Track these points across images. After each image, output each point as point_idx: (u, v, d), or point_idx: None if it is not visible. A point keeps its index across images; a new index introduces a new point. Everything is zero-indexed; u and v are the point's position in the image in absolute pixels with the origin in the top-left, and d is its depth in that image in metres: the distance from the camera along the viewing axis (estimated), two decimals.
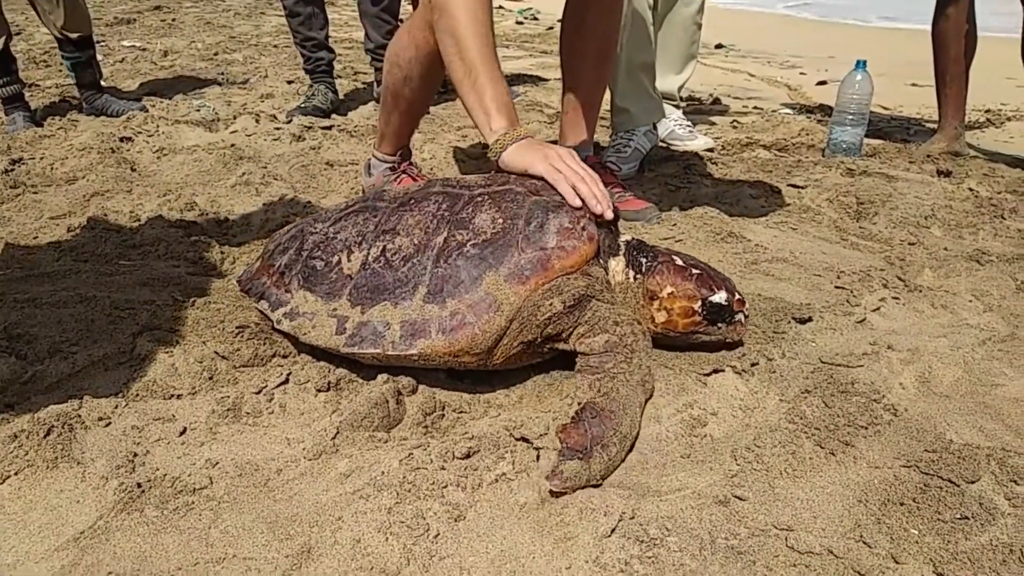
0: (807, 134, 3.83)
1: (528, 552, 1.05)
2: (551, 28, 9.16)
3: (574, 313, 1.42)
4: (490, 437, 1.27)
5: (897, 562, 1.01)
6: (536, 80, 5.50)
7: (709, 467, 1.22)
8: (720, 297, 1.51)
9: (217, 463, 1.24)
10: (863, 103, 3.29)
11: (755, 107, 4.82)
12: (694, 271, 1.54)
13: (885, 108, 5.00)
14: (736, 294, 1.53)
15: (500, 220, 1.46)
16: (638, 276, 1.56)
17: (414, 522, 1.08)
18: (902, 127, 4.28)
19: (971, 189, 2.87)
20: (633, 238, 1.63)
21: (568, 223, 1.46)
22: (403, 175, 2.45)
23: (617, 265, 1.57)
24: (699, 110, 4.65)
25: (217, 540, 1.08)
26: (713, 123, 4.20)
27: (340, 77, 5.05)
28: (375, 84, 4.13)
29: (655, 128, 3.09)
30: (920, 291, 1.86)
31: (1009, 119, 4.73)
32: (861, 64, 3.31)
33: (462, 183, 1.61)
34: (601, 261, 1.53)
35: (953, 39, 3.47)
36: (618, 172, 2.78)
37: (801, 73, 6.54)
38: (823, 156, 3.37)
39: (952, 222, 2.39)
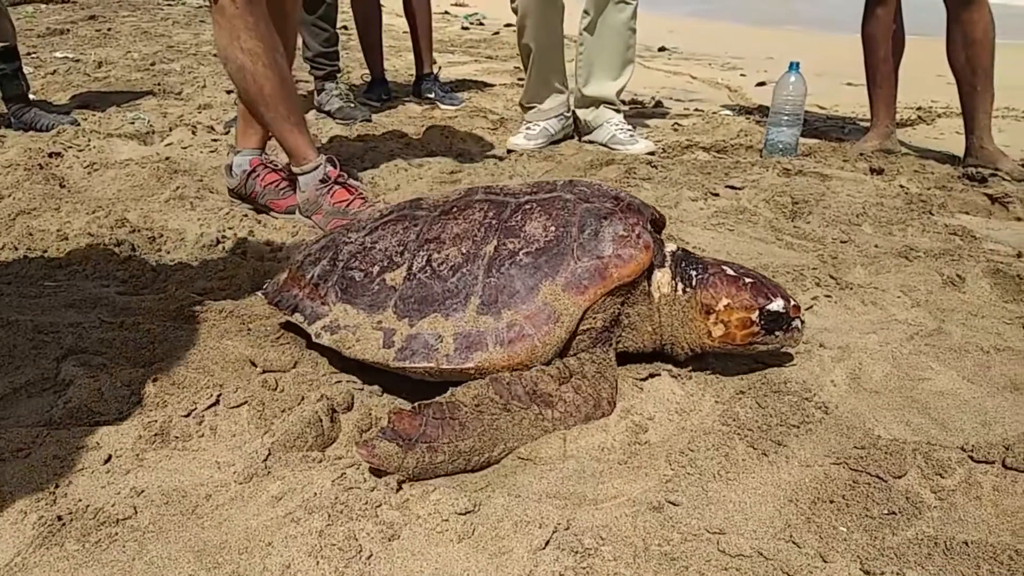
0: (746, 135, 3.90)
1: (463, 569, 1.04)
2: (497, 33, 9.19)
3: (598, 341, 1.41)
4: None
5: (825, 560, 1.03)
6: (482, 86, 5.50)
7: (645, 473, 1.22)
8: (777, 305, 1.45)
9: (143, 491, 1.20)
10: (798, 104, 3.36)
11: (696, 109, 4.90)
12: (747, 280, 1.47)
13: (822, 108, 5.13)
14: (791, 300, 1.47)
15: (552, 228, 1.43)
16: (688, 289, 1.48)
17: (346, 544, 1.06)
18: (837, 126, 4.40)
19: (902, 186, 2.96)
20: (679, 247, 1.56)
21: (623, 231, 1.42)
22: (335, 187, 2.38)
23: (663, 277, 1.50)
24: (641, 113, 4.71)
25: (141, 572, 1.04)
26: (655, 126, 4.26)
27: None
28: (315, 93, 4.07)
29: (567, 113, 3.68)
30: (851, 288, 1.90)
31: (939, 116, 4.90)
32: (795, 66, 3.38)
33: (505, 190, 1.57)
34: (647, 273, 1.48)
35: (882, 40, 3.58)
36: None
37: (741, 75, 6.68)
38: (761, 156, 3.44)
39: (883, 219, 2.46)
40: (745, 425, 1.33)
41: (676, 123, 4.32)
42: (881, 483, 1.21)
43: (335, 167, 2.42)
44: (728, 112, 4.78)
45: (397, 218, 1.59)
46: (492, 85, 5.52)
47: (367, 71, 4.80)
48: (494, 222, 1.46)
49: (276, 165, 2.55)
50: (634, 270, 1.40)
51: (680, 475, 1.21)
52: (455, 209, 1.53)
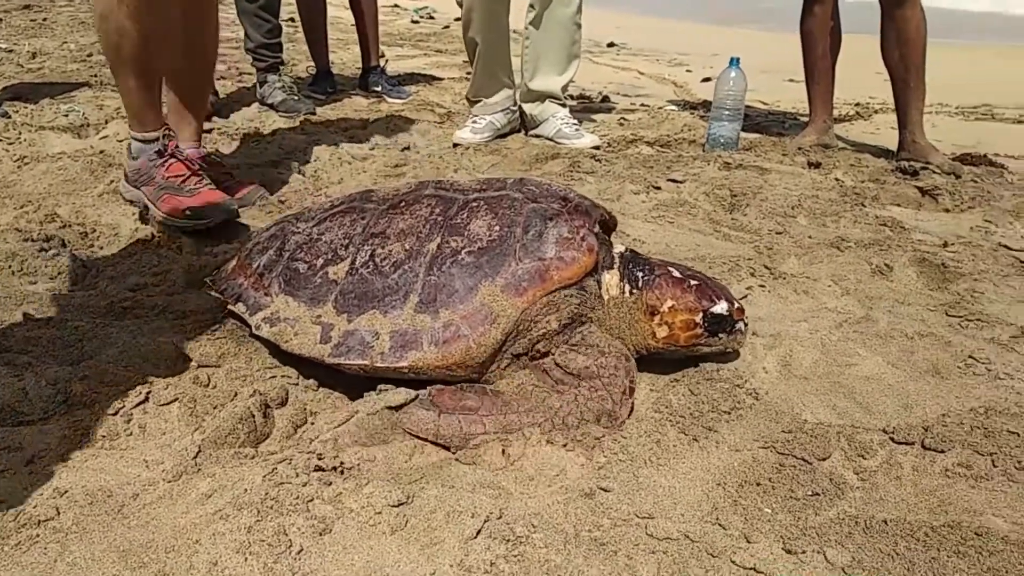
0: (689, 129, 3.96)
1: (394, 561, 1.04)
2: (447, 27, 9.14)
3: (566, 333, 1.39)
4: (361, 449, 1.24)
5: (749, 541, 1.06)
6: (430, 79, 5.47)
7: (576, 460, 1.24)
8: (721, 307, 1.46)
9: (66, 492, 1.17)
10: (738, 99, 3.42)
11: (642, 104, 4.95)
12: (692, 282, 1.48)
13: (764, 103, 5.23)
14: (735, 303, 1.49)
15: (497, 227, 1.41)
16: (634, 291, 1.49)
17: (275, 539, 1.05)
18: (778, 121, 4.49)
19: (837, 179, 3.04)
20: (627, 249, 1.56)
21: (567, 233, 1.41)
22: (172, 160, 2.22)
23: (611, 279, 1.50)
24: (589, 108, 4.73)
25: (63, 574, 1.02)
26: (602, 121, 4.29)
27: (223, 78, 4.87)
28: (258, 85, 4.00)
29: (512, 107, 3.67)
30: (784, 278, 1.95)
31: (876, 112, 5.05)
32: (735, 62, 3.44)
33: (455, 186, 1.55)
34: (595, 275, 1.47)
35: (819, 37, 3.66)
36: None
37: (687, 71, 6.77)
38: (703, 151, 3.49)
39: (817, 211, 2.52)
40: (677, 412, 1.36)
41: (622, 118, 4.36)
42: (806, 465, 1.25)
43: (172, 142, 2.27)
44: (673, 107, 4.84)
45: (346, 210, 1.57)
46: (440, 79, 5.49)
47: (313, 64, 4.73)
48: (440, 219, 1.45)
49: (214, 158, 2.49)
50: (576, 272, 1.39)
51: (612, 462, 1.22)
52: (403, 203, 1.52)
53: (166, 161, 2.19)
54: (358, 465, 1.22)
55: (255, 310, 1.50)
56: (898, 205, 2.82)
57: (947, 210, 2.78)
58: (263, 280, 1.53)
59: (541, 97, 3.61)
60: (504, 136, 3.66)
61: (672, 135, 3.81)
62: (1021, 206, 2.81)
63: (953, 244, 2.24)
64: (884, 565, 1.03)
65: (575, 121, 3.61)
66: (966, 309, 1.79)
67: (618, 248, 1.55)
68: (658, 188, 2.75)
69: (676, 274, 1.50)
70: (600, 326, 1.47)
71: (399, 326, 1.35)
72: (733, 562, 1.01)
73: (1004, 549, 1.05)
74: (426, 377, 1.36)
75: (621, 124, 4.17)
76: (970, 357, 1.57)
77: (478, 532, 1.06)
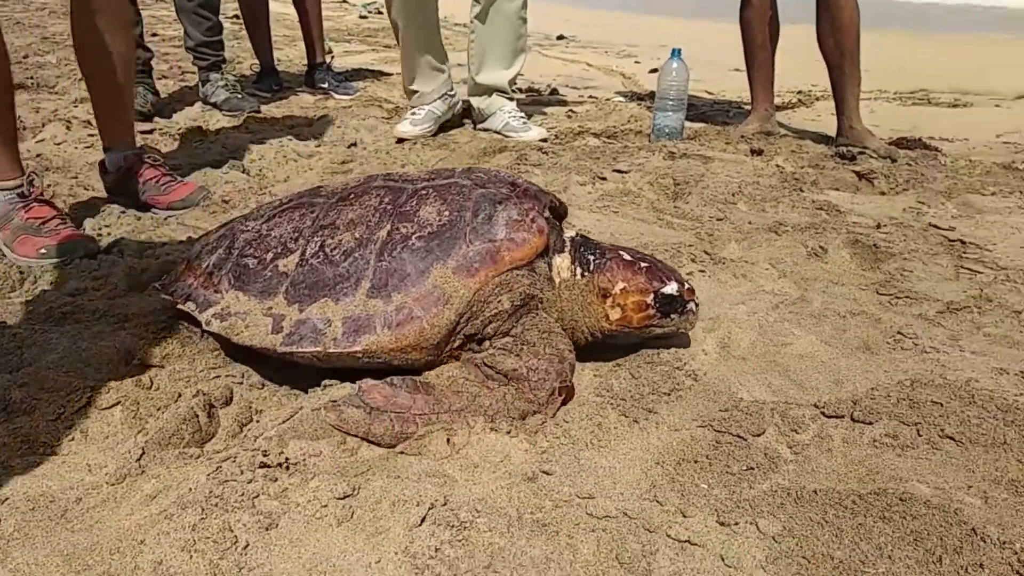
0: (636, 120, 4.02)
1: (340, 551, 1.05)
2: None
3: (517, 315, 1.40)
4: (306, 444, 1.25)
5: (684, 515, 1.10)
6: (378, 75, 5.44)
7: (520, 445, 1.26)
8: (672, 288, 1.48)
9: (7, 499, 1.15)
10: (681, 89, 3.48)
11: (590, 96, 5.00)
12: (642, 264, 1.50)
13: (710, 93, 5.32)
14: (686, 284, 1.51)
15: (447, 212, 1.42)
16: (585, 273, 1.50)
17: (221, 536, 1.05)
18: (723, 110, 4.58)
19: (778, 166, 3.12)
20: (578, 233, 1.59)
21: (517, 215, 1.43)
22: (35, 203, 2.09)
23: (563, 262, 1.51)
24: (537, 100, 4.76)
25: None
26: (551, 113, 4.32)
27: (166, 77, 4.79)
28: (200, 84, 3.94)
29: (451, 92, 3.67)
30: (724, 263, 2.01)
31: (818, 99, 5.17)
32: (676, 53, 3.50)
33: (404, 177, 1.56)
34: (546, 258, 1.49)
35: (758, 26, 3.74)
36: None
37: (636, 62, 6.85)
38: (649, 141, 3.55)
39: (758, 197, 2.59)
40: (619, 395, 1.39)
41: (570, 110, 4.40)
42: (742, 442, 1.29)
43: (37, 188, 2.14)
44: (621, 98, 4.90)
45: (295, 206, 1.57)
46: (388, 74, 5.46)
47: (257, 61, 4.67)
48: (389, 207, 1.46)
49: (155, 160, 2.46)
50: (527, 253, 1.41)
51: (555, 446, 1.25)
52: (352, 195, 1.52)
53: (28, 204, 2.08)
54: (304, 460, 1.22)
55: (205, 307, 1.49)
56: (836, 189, 2.91)
57: (883, 193, 2.87)
58: (212, 278, 1.52)
59: (488, 91, 3.62)
60: (448, 124, 3.65)
61: (619, 126, 3.86)
62: (953, 187, 2.92)
63: (886, 225, 2.32)
64: (813, 533, 1.08)
65: (522, 114, 3.63)
66: (896, 287, 1.87)
67: (569, 233, 1.57)
68: (604, 179, 2.79)
69: (626, 257, 1.52)
70: (551, 308, 1.49)
71: (352, 312, 1.35)
72: (668, 536, 1.05)
73: (926, 513, 1.11)
74: (380, 362, 1.37)
75: (569, 116, 4.20)
76: (899, 333, 1.64)
77: (423, 519, 1.08)
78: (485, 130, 3.66)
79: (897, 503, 1.13)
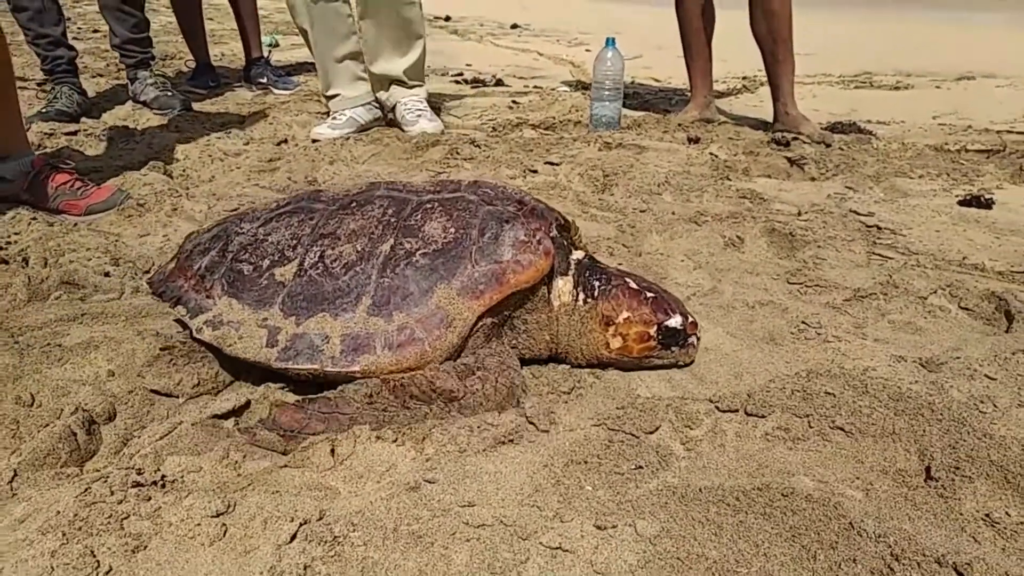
0: (577, 111, 4.00)
1: (206, 572, 1.02)
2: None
3: (488, 336, 1.38)
4: (185, 460, 1.22)
5: (562, 520, 1.08)
6: None
7: (407, 454, 1.24)
8: (675, 321, 1.45)
9: None
10: (616, 79, 3.47)
11: (536, 86, 4.97)
12: (648, 294, 1.47)
13: (656, 80, 5.33)
14: (689, 317, 1.48)
15: (452, 230, 1.38)
16: (588, 300, 1.47)
17: (81, 562, 1.01)
18: (666, 98, 4.58)
19: (712, 154, 3.12)
20: (586, 255, 1.54)
21: (524, 236, 1.39)
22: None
23: (564, 285, 1.47)
24: (483, 91, 4.73)
25: None
26: (494, 104, 4.28)
27: (101, 76, 4.67)
28: (129, 83, 3.84)
29: (376, 103, 3.57)
30: (642, 256, 2.00)
31: (762, 85, 5.19)
32: (611, 41, 3.48)
33: (408, 187, 1.52)
34: (547, 279, 1.45)
35: (694, 14, 3.74)
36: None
37: (587, 50, 6.83)
38: (588, 131, 3.53)
39: (685, 187, 2.58)
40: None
41: (514, 100, 4.37)
42: (634, 440, 1.28)
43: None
44: (566, 88, 4.88)
45: (293, 210, 1.52)
46: None
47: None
48: (393, 220, 1.42)
49: (66, 164, 2.38)
50: (532, 276, 1.38)
51: (440, 453, 1.23)
52: (354, 204, 1.48)
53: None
54: (181, 477, 1.19)
55: (196, 313, 1.44)
56: (768, 176, 2.92)
57: (813, 179, 2.89)
58: (205, 282, 1.47)
59: (385, 82, 3.49)
60: (369, 129, 3.51)
61: (559, 117, 3.84)
62: (882, 171, 2.95)
63: (807, 213, 2.33)
64: (692, 532, 1.07)
65: (421, 106, 3.47)
66: (806, 276, 1.87)
67: (576, 255, 1.53)
68: (535, 171, 2.77)
69: (633, 285, 1.49)
70: (543, 331, 1.47)
71: (351, 329, 1.31)
72: (541, 543, 1.03)
73: (806, 508, 1.11)
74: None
75: (511, 107, 4.17)
76: (803, 322, 1.64)
77: (293, 536, 1.05)
78: (391, 124, 3.56)
79: (779, 498, 1.13)
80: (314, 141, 3.30)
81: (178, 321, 1.49)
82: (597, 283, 1.49)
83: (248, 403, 1.34)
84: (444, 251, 1.36)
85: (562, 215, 1.54)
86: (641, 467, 1.22)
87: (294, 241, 1.44)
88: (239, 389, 1.39)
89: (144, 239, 2.14)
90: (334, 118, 3.43)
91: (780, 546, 1.05)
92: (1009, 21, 9.02)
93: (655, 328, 1.45)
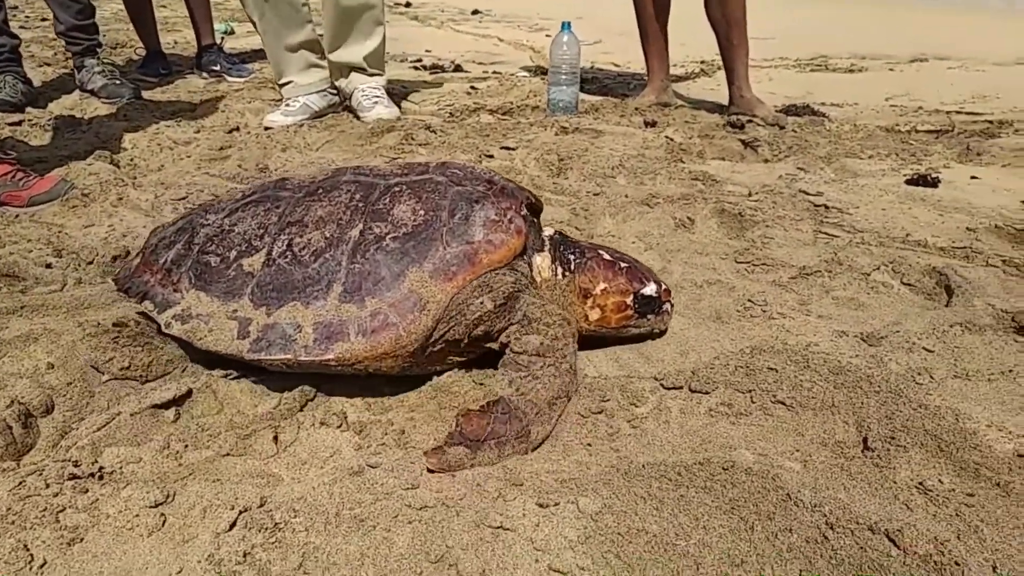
0: (535, 95, 3.99)
1: (143, 563, 1.01)
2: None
3: (504, 311, 1.35)
4: (124, 450, 1.20)
5: (505, 500, 1.09)
6: None
7: (351, 439, 1.24)
8: (650, 289, 1.48)
9: None
10: (573, 63, 3.47)
11: (495, 72, 4.94)
12: (623, 264, 1.50)
13: (616, 64, 5.33)
14: (663, 284, 1.51)
15: (422, 212, 1.36)
16: (567, 273, 1.48)
17: (13, 556, 0.99)
18: (625, 83, 4.59)
19: (668, 137, 3.13)
20: (556, 232, 1.55)
21: (495, 215, 1.37)
22: None
23: (543, 262, 1.48)
24: (442, 78, 4.69)
25: None
26: (452, 90, 4.26)
27: (48, 64, 4.55)
28: (75, 71, 3.74)
29: (333, 90, 3.50)
30: (594, 238, 2.00)
31: (719, 68, 5.21)
32: (566, 26, 3.48)
33: (375, 171, 1.49)
34: (526, 257, 1.44)
35: None
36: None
37: (547, 35, 6.80)
38: (545, 116, 3.52)
39: (639, 170, 2.60)
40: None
41: (472, 86, 4.35)
42: (581, 419, 1.29)
43: None
44: (525, 73, 4.86)
45: (259, 199, 1.49)
46: None
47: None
48: (361, 205, 1.40)
49: (7, 154, 2.32)
50: (505, 255, 1.36)
51: (386, 436, 1.23)
52: (320, 191, 1.45)
53: None
54: (119, 468, 1.17)
55: (164, 307, 1.41)
56: (722, 159, 2.94)
57: (767, 160, 2.92)
58: (171, 276, 1.44)
59: (345, 70, 3.45)
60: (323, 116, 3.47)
61: (517, 102, 3.83)
62: (833, 152, 3.00)
63: (757, 194, 2.36)
64: (634, 508, 1.08)
65: (378, 93, 3.43)
66: (754, 255, 1.89)
67: (547, 231, 1.54)
68: (491, 156, 2.75)
69: (606, 256, 1.51)
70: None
71: (323, 317, 1.29)
72: (483, 523, 1.04)
73: (746, 481, 1.13)
74: (352, 371, 1.32)
75: (469, 93, 4.15)
76: (749, 300, 1.67)
77: (233, 524, 1.05)
78: (348, 110, 3.52)
79: (720, 472, 1.15)
80: (266, 128, 3.24)
81: (145, 316, 1.46)
82: (572, 257, 1.50)
83: (190, 392, 1.32)
84: (414, 234, 1.34)
85: (532, 194, 1.55)
86: (589, 445, 1.23)
87: (261, 230, 1.42)
88: (180, 378, 1.37)
89: (88, 230, 2.09)
90: (287, 105, 3.37)
91: (719, 518, 1.07)
92: (963, 4, 9.20)
93: (631, 297, 1.48)
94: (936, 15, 8.47)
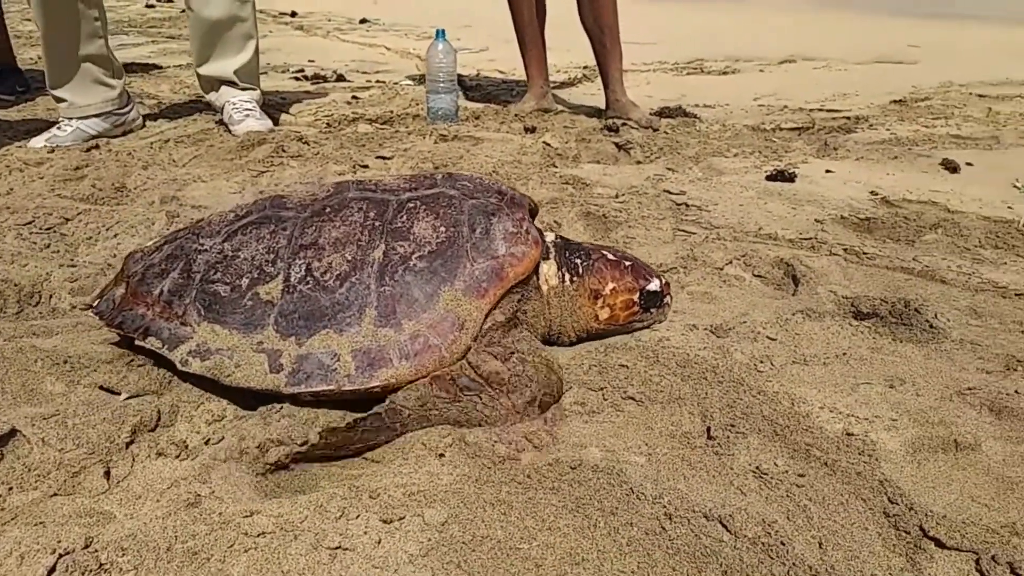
0: (417, 104, 3.98)
1: None
2: (184, 11, 8.51)
3: (507, 327, 1.36)
4: None
5: (348, 519, 1.06)
6: (150, 69, 5.06)
7: (190, 468, 1.19)
8: (655, 284, 1.53)
9: None
10: (449, 70, 3.47)
11: (379, 81, 4.90)
12: (626, 262, 1.54)
13: (501, 72, 5.38)
14: (663, 279, 1.56)
15: (442, 228, 1.34)
16: (575, 278, 1.50)
17: None
18: (508, 90, 4.63)
19: (545, 143, 3.18)
20: (558, 237, 1.56)
21: (513, 227, 1.37)
22: None
23: (549, 269, 1.49)
24: (323, 88, 4.61)
25: None
26: (333, 100, 4.19)
27: None
28: None
29: (120, 110, 3.23)
30: None
31: None
32: (440, 34, 3.49)
33: (381, 186, 1.43)
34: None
35: (524, 5, 3.80)
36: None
37: None
38: (426, 124, 3.51)
39: (512, 175, 2.62)
40: None
41: (354, 95, 4.29)
42: (433, 429, 1.28)
43: None
44: (409, 82, 4.84)
45: (259, 220, 1.40)
46: (163, 67, 5.10)
47: None
48: (378, 224, 1.35)
49: None
50: (528, 267, 1.38)
51: (225, 462, 1.18)
52: (328, 210, 1.39)
53: None
54: None
55: (175, 343, 1.31)
56: (597, 162, 3.01)
57: (639, 162, 3.00)
58: (174, 308, 1.34)
59: (216, 83, 3.35)
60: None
61: (398, 111, 3.80)
62: (702, 152, 3.11)
63: (624, 195, 2.42)
64: (481, 515, 1.08)
65: (250, 105, 3.33)
66: None
67: (549, 236, 1.55)
68: (365, 167, 2.72)
69: (611, 256, 1.55)
70: (540, 317, 1.48)
71: (361, 344, 1.26)
72: (321, 545, 1.01)
73: (592, 478, 1.15)
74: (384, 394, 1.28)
75: (350, 103, 4.09)
76: None
77: (51, 570, 0.98)
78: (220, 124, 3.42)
79: (568, 472, 1.17)
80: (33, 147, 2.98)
81: (151, 353, 1.36)
82: (579, 261, 1.53)
83: (14, 431, 1.23)
84: (440, 252, 1.33)
85: (531, 199, 1.57)
86: (442, 455, 1.22)
87: (271, 255, 1.35)
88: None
89: None
90: (59, 128, 3.08)
91: (565, 518, 1.08)
92: (832, 6, 9.78)
93: (638, 294, 1.52)
94: (805, 17, 8.97)
